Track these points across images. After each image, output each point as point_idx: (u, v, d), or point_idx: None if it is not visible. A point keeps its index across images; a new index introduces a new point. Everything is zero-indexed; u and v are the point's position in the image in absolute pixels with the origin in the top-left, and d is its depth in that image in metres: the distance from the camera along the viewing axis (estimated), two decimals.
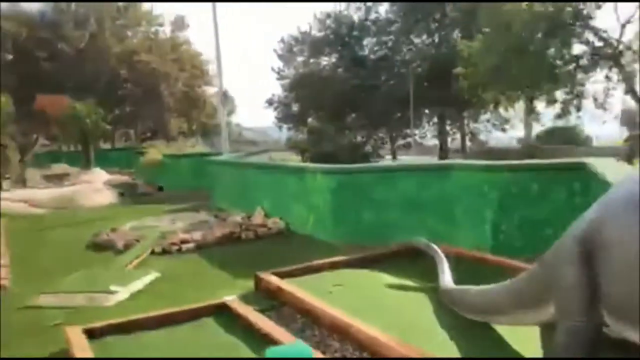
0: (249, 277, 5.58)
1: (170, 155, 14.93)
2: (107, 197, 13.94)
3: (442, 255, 5.14)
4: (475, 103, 29.45)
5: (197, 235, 7.81)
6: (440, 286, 4.65)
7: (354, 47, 45.39)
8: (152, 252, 7.38)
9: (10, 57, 38.98)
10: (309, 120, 47.38)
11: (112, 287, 5.45)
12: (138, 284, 5.73)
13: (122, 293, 5.40)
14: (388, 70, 42.61)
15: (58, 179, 18.54)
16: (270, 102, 51.51)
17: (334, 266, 5.75)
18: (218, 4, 14.33)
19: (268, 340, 3.81)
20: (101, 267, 6.84)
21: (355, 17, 44.68)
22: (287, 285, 5.03)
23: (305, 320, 4.42)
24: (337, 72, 44.98)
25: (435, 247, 5.46)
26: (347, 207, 7.62)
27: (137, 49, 40.23)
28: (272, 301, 4.95)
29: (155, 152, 15.23)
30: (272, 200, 9.55)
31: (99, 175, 18.83)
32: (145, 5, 43.14)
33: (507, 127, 38.96)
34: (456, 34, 37.50)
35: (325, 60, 47.13)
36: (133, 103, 38.98)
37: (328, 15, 46.37)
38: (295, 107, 49.25)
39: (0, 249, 7.70)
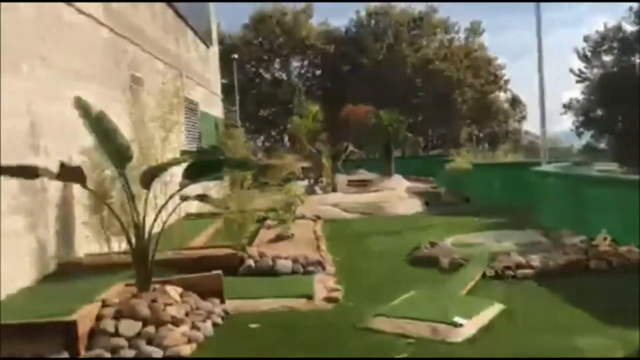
0: (618, 322, 4.24)
1: (480, 164, 13.95)
2: (412, 205, 13.62)
3: None
4: None
5: (534, 259, 6.60)
6: None
7: None
8: (483, 276, 6.44)
9: (318, 72, 43.17)
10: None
11: (456, 319, 4.62)
12: (483, 317, 4.81)
13: (468, 327, 4.54)
14: None
15: (361, 185, 19.18)
16: (567, 107, 47.12)
17: None
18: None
19: None
20: (429, 286, 6.16)
21: None
22: None
23: None
24: None
25: None
26: None
27: (432, 58, 40.57)
28: None
29: (463, 160, 14.46)
30: (618, 221, 7.76)
31: (400, 183, 18.92)
32: (441, 14, 43.20)
33: None
34: None
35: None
36: (426, 111, 39.29)
37: None
38: (600, 112, 44.06)
39: (324, 256, 7.62)
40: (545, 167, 10.83)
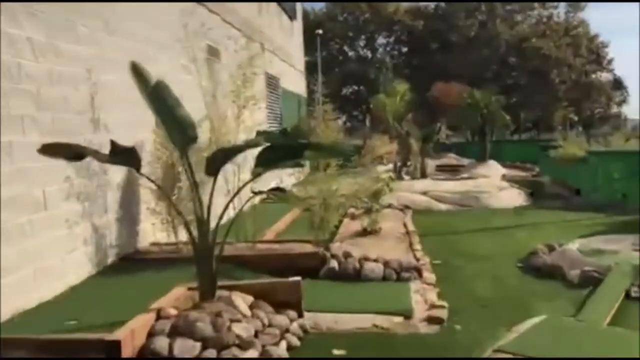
0: None
1: (595, 151, 12.09)
2: (514, 196, 12.08)
3: None
4: None
5: None
6: None
7: None
8: (626, 296, 5.07)
9: (405, 49, 41.32)
10: None
11: None
12: None
13: None
14: None
15: (452, 171, 17.71)
16: None
17: None
18: None
19: None
20: (556, 309, 4.89)
21: None
22: None
23: None
24: None
25: None
26: None
27: (528, 35, 37.70)
28: None
29: (576, 146, 12.67)
30: None
31: (496, 169, 17.29)
32: None
33: None
34: None
35: None
36: (520, 92, 36.58)
37: None
38: None
39: (420, 258, 6.46)
40: None
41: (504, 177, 15.94)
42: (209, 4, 9.25)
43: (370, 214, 8.45)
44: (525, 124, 42.01)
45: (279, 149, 3.86)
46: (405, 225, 8.84)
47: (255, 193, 4.01)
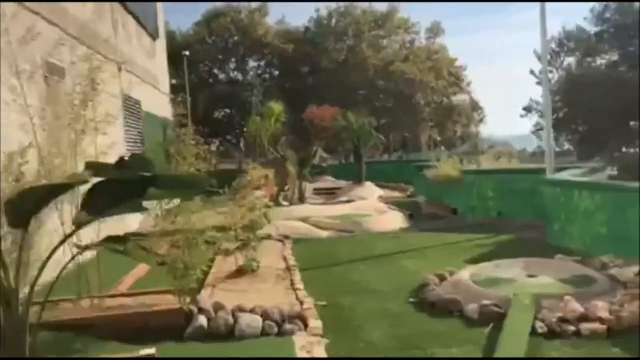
0: None
1: (471, 171, 12.07)
2: (395, 219, 11.73)
3: None
4: None
5: (601, 308, 4.75)
6: None
7: None
8: (531, 331, 4.58)
9: (277, 72, 41.06)
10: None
11: None
12: None
13: None
14: None
15: (330, 194, 17.27)
16: (528, 110, 46.46)
17: None
18: None
19: None
20: (464, 354, 4.27)
21: None
22: None
23: None
24: (619, 72, 38.11)
25: None
26: None
27: (393, 59, 39.09)
28: None
29: (450, 166, 12.65)
30: None
31: (373, 190, 17.11)
32: (401, 14, 41.71)
33: None
34: None
35: (604, 59, 40.43)
36: (388, 114, 37.64)
37: (607, 7, 39.65)
38: (561, 114, 43.41)
39: (304, 301, 5.63)
40: (561, 176, 9.07)
41: (381, 199, 15.74)
42: (51, 17, 7.90)
43: (247, 249, 7.48)
44: (395, 145, 43.40)
45: (114, 186, 2.82)
46: (285, 259, 8.00)
47: (81, 248, 2.93)
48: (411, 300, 5.80)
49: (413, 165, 18.23)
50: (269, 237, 9.63)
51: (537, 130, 46.03)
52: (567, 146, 44.91)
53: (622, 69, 39.17)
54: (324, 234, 10.72)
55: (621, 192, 6.64)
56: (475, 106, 46.03)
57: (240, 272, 6.93)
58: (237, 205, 7.89)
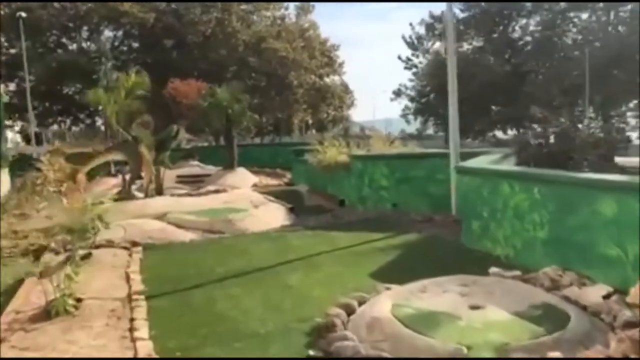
0: None
1: (360, 156, 10.39)
2: (274, 215, 9.81)
3: None
4: None
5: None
6: None
7: (507, 27, 39.45)
8: None
9: (136, 44, 37.12)
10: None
11: None
12: None
13: None
14: (549, 54, 36.31)
15: (196, 182, 14.96)
16: (397, 94, 46.75)
17: None
18: None
19: None
20: None
21: None
22: None
23: None
24: (484, 58, 39.20)
25: None
26: None
27: (265, 35, 36.94)
28: None
29: (335, 150, 10.94)
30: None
31: (246, 177, 15.08)
32: None
33: None
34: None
35: (470, 45, 41.37)
36: (261, 94, 35.49)
37: None
38: (429, 98, 44.03)
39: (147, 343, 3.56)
40: (479, 163, 7.57)
41: (256, 187, 13.81)
42: None
43: (67, 269, 5.17)
44: (267, 127, 41.46)
45: None
46: (128, 280, 5.78)
47: None
48: (311, 354, 3.92)
49: (290, 149, 16.40)
50: (112, 243, 7.39)
51: (405, 114, 46.67)
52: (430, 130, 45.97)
53: (486, 55, 40.39)
54: (187, 236, 8.52)
55: (572, 186, 5.27)
56: (346, 89, 45.42)
57: (53, 312, 4.64)
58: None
